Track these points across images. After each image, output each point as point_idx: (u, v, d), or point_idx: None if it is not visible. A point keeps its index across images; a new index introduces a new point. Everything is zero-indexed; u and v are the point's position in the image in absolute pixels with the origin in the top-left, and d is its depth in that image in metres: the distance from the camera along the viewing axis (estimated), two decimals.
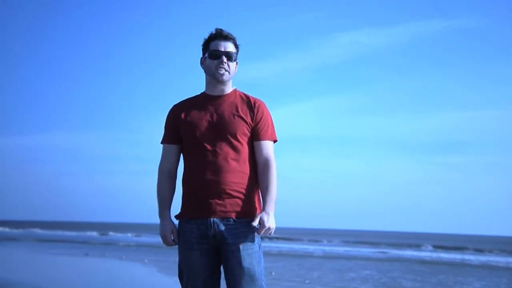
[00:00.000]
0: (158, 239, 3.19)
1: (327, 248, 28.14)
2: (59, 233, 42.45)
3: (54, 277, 10.88)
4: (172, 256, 14.95)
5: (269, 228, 2.97)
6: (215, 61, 3.05)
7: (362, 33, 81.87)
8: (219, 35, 3.07)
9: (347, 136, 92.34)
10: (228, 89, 3.14)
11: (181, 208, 3.10)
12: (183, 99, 3.20)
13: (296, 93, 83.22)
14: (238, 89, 3.19)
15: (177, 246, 3.13)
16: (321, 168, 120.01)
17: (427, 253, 27.03)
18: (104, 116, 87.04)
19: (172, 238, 3.10)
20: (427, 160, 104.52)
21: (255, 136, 3.09)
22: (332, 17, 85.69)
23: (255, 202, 3.08)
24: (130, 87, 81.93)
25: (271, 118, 3.17)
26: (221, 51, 3.04)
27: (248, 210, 3.03)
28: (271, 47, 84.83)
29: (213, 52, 3.05)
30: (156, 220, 3.18)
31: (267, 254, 19.21)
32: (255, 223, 2.94)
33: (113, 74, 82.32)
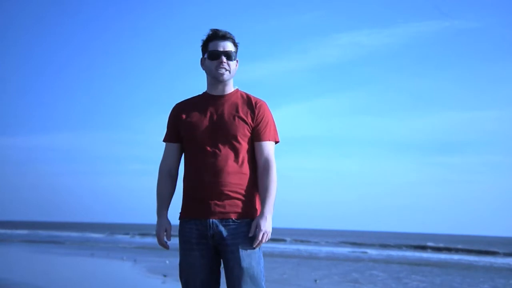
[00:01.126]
0: (155, 240, 3.07)
1: (328, 249, 28.20)
2: (58, 233, 42.47)
3: (54, 277, 10.82)
4: (165, 257, 14.88)
5: (265, 232, 2.94)
6: (215, 62, 3.04)
7: (361, 34, 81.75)
8: (217, 35, 3.06)
9: (346, 136, 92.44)
10: (230, 88, 3.12)
11: (181, 208, 3.08)
12: (186, 98, 3.20)
13: (295, 94, 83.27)
14: (240, 89, 3.17)
15: (171, 247, 3.12)
16: (321, 168, 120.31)
17: (429, 254, 27.00)
18: (104, 116, 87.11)
19: (165, 239, 3.08)
20: (427, 160, 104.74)
21: (255, 137, 3.06)
22: (331, 18, 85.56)
23: (255, 203, 3.04)
24: (130, 87, 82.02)
25: (273, 119, 3.14)
26: (220, 51, 3.04)
27: (248, 211, 3.01)
28: (270, 47, 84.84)
29: (212, 53, 3.05)
30: (155, 220, 3.17)
31: (269, 255, 19.08)
32: (251, 233, 2.94)
33: (113, 74, 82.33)
